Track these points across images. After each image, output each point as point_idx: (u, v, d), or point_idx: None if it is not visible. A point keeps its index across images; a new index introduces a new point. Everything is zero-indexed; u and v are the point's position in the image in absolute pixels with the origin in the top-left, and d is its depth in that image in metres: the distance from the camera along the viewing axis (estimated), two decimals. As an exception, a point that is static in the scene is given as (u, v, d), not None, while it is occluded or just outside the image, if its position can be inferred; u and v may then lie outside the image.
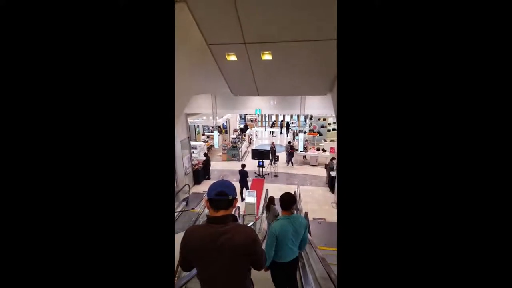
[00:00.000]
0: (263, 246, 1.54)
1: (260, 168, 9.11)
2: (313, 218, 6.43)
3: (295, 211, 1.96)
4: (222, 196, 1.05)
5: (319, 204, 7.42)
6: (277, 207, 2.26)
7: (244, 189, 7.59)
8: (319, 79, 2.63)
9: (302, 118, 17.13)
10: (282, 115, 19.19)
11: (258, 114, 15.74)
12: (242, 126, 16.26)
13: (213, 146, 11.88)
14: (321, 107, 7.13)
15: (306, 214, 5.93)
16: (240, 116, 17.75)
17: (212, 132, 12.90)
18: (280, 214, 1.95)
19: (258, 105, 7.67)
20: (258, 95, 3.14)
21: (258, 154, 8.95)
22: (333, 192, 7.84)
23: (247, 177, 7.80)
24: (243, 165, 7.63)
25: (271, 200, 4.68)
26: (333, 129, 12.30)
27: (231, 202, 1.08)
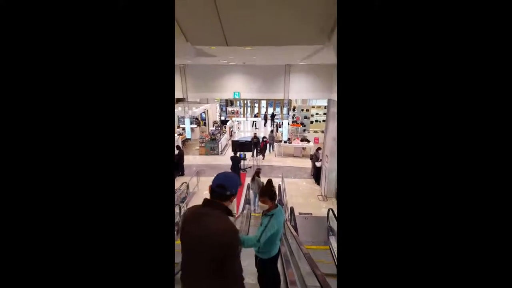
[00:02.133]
0: (262, 239, 1.67)
1: (242, 162, 8.44)
2: (299, 213, 5.91)
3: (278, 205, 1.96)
4: (220, 189, 1.10)
5: (305, 197, 6.96)
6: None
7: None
8: (314, 17, 1.83)
9: (285, 111, 16.96)
10: (265, 107, 18.68)
11: (237, 99, 14.99)
12: (223, 118, 15.41)
13: (190, 139, 10.92)
14: (307, 90, 6.49)
15: (292, 209, 5.40)
16: (221, 109, 16.91)
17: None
18: (266, 206, 1.90)
19: (237, 87, 6.77)
20: (227, 45, 2.11)
21: (239, 146, 8.25)
22: (318, 183, 7.43)
23: (239, 162, 7.42)
24: (240, 149, 7.51)
25: (257, 173, 5.66)
26: (316, 121, 12.05)
27: (228, 197, 1.11)
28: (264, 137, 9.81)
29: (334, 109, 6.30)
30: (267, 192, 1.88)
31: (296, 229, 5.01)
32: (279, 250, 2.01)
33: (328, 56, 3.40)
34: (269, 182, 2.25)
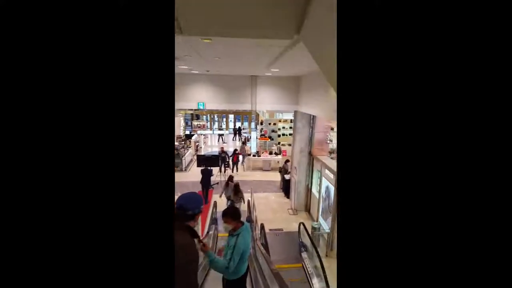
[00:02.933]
0: (227, 259, 1.71)
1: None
2: (270, 230, 5.55)
3: (248, 223, 1.95)
4: (180, 211, 1.16)
5: (275, 212, 6.68)
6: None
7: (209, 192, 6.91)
8: (280, 6, 1.55)
9: (253, 125, 17.10)
10: (233, 121, 18.51)
11: (204, 113, 14.49)
12: (188, 132, 14.57)
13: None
14: (274, 102, 6.47)
15: (262, 226, 5.03)
16: (186, 123, 16.12)
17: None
18: (230, 226, 1.87)
19: (202, 98, 6.37)
20: (181, 32, 1.63)
21: (205, 161, 7.66)
22: (288, 197, 7.26)
23: (211, 175, 7.08)
24: (207, 164, 7.11)
25: (230, 179, 5.99)
26: (283, 134, 12.29)
27: (192, 217, 1.17)
28: (235, 150, 9.43)
29: (301, 120, 6.38)
30: (229, 212, 1.86)
31: (267, 247, 4.67)
32: (247, 269, 1.96)
33: (297, 58, 3.35)
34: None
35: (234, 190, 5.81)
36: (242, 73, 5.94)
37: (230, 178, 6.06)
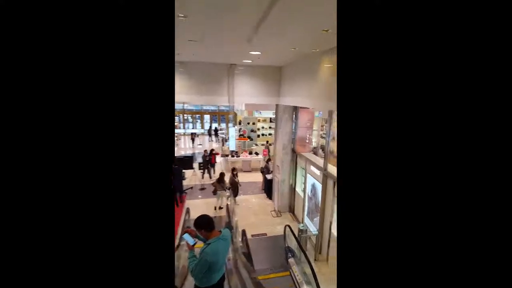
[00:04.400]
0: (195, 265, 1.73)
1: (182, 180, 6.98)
2: (252, 236, 4.98)
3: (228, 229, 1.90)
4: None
5: (257, 215, 6.13)
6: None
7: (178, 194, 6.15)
8: None
9: (231, 125, 16.54)
10: (209, 121, 17.65)
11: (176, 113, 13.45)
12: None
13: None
14: (254, 94, 5.97)
15: (243, 232, 4.44)
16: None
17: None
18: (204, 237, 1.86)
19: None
20: None
21: (177, 163, 6.83)
22: (270, 198, 6.77)
23: (183, 178, 6.53)
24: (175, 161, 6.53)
25: (222, 175, 5.98)
26: (263, 134, 11.89)
27: None
28: (212, 149, 8.65)
29: (283, 115, 5.98)
30: (196, 221, 1.81)
31: (249, 256, 4.11)
32: (222, 278, 1.91)
33: (279, 31, 2.90)
34: (222, 174, 2.38)
35: (218, 179, 5.93)
36: (219, 61, 5.32)
37: (222, 174, 6.01)
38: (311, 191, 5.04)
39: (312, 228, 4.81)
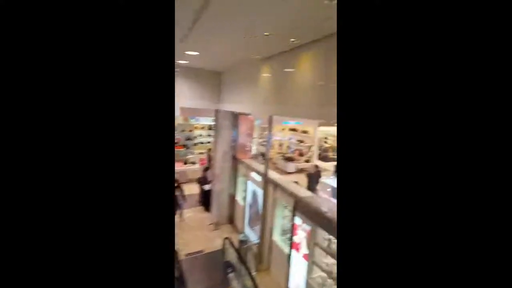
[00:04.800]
0: None
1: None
2: (186, 255, 4.36)
3: None
4: None
5: (193, 231, 5.48)
6: None
7: None
8: None
9: None
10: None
11: None
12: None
13: None
14: (191, 98, 5.48)
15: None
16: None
17: None
18: None
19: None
20: None
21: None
22: (208, 210, 6.26)
23: None
24: None
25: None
26: (201, 143, 11.22)
27: None
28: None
29: (223, 122, 5.75)
30: None
31: (182, 278, 3.54)
32: None
33: (215, 30, 2.73)
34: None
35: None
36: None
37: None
38: (252, 198, 4.94)
39: (253, 237, 4.66)
